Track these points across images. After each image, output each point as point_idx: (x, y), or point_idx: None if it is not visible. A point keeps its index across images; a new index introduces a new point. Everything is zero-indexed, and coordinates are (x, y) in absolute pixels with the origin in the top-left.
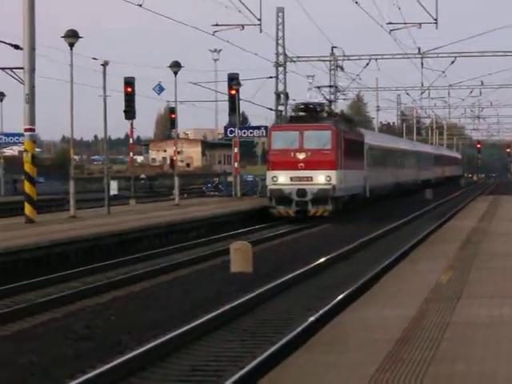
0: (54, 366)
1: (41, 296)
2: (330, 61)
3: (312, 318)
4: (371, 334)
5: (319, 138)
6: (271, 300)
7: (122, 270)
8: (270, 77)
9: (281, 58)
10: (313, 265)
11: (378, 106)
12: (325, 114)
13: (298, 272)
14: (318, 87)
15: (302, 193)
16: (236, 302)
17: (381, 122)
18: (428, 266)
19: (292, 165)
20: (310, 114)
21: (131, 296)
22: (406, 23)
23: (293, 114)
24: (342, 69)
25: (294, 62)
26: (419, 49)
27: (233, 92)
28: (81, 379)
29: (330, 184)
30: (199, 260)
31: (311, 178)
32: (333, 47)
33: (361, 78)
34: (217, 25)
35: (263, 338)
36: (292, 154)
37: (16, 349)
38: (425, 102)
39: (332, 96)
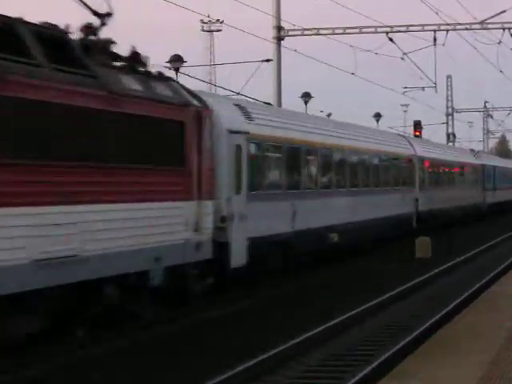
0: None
1: None
2: (483, 111)
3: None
4: None
5: None
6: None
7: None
8: (443, 123)
9: (449, 110)
10: None
11: None
12: None
13: None
14: None
15: None
16: (420, 278)
17: None
18: None
19: None
20: None
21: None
22: None
23: None
24: (491, 117)
25: (458, 112)
26: None
27: (417, 133)
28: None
29: None
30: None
31: None
32: (485, 102)
33: (504, 122)
34: (406, 87)
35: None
36: None
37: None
38: None
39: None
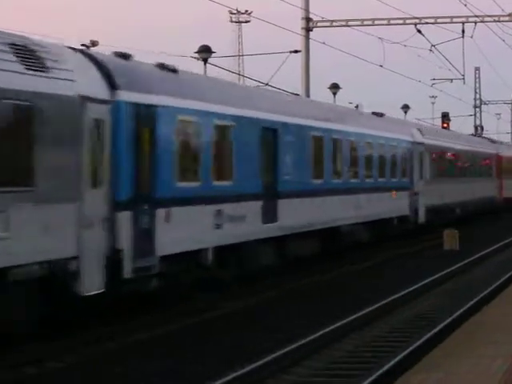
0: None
1: None
2: (511, 103)
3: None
4: None
5: None
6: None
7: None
8: (470, 115)
9: (477, 102)
10: None
11: None
12: None
13: None
14: None
15: None
16: (449, 269)
17: None
18: None
19: None
20: None
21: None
22: None
23: None
24: None
25: (486, 104)
26: None
27: (445, 125)
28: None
29: None
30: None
31: None
32: None
33: None
34: (434, 79)
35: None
36: None
37: None
38: None
39: None
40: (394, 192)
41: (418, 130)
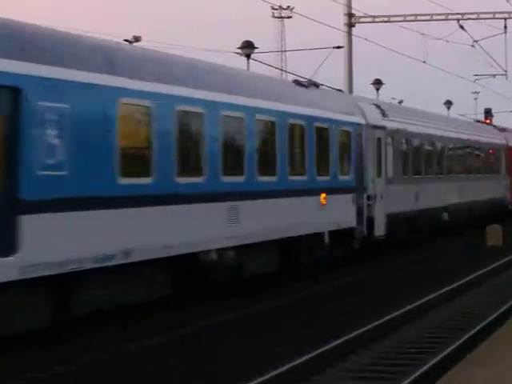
0: None
1: None
2: None
3: None
4: None
5: None
6: None
7: None
8: (511, 111)
9: None
10: None
11: None
12: None
13: None
14: None
15: None
16: (493, 265)
17: None
18: None
19: None
20: None
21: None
22: None
23: None
24: None
25: None
26: None
27: (487, 121)
28: None
29: None
30: None
31: None
32: None
33: None
34: (476, 75)
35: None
36: None
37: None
38: None
39: None
40: (324, 196)
41: (378, 108)
